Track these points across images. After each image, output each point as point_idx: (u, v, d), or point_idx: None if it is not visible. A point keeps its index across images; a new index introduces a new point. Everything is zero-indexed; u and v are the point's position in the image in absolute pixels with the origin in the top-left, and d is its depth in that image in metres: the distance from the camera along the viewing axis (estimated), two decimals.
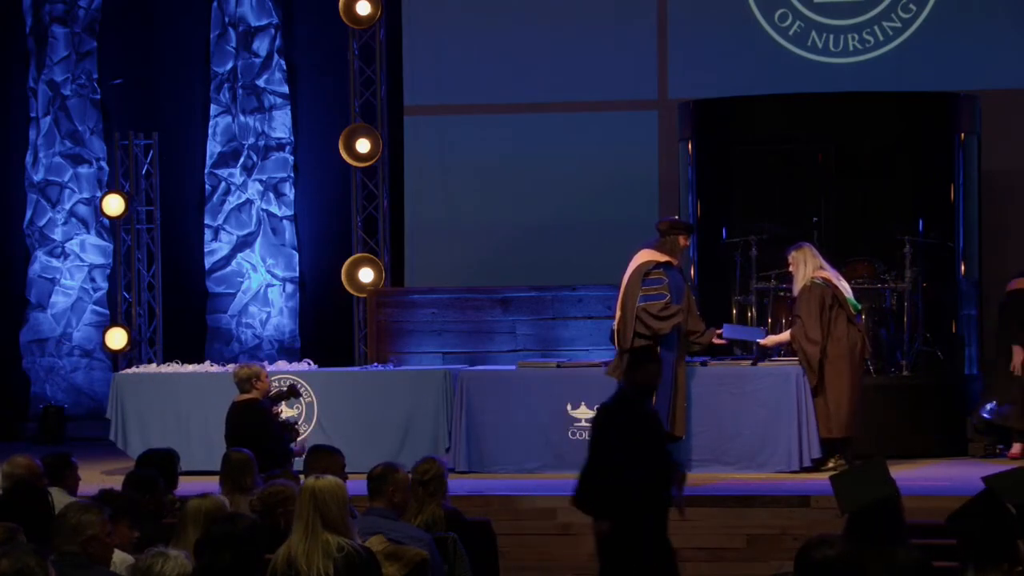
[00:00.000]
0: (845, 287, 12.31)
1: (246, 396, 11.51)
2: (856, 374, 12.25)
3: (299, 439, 11.68)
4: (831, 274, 12.28)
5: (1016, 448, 12.92)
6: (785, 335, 12.44)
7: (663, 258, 12.11)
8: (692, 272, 14.40)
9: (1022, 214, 14.91)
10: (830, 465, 12.04)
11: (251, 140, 17.04)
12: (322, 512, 6.63)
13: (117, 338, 16.01)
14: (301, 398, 12.84)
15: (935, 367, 13.55)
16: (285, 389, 11.95)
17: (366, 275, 15.59)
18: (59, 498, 7.71)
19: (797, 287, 12.30)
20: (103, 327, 16.55)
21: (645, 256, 12.10)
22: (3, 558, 5.46)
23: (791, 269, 12.40)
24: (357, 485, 7.90)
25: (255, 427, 11.22)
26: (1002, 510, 6.18)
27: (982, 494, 6.39)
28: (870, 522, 6.66)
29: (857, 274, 13.19)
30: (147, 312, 16.29)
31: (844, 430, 12.19)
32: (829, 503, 7.48)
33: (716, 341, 12.23)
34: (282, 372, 13.26)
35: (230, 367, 13.82)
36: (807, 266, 12.26)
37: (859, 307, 12.34)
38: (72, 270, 17.20)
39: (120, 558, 6.87)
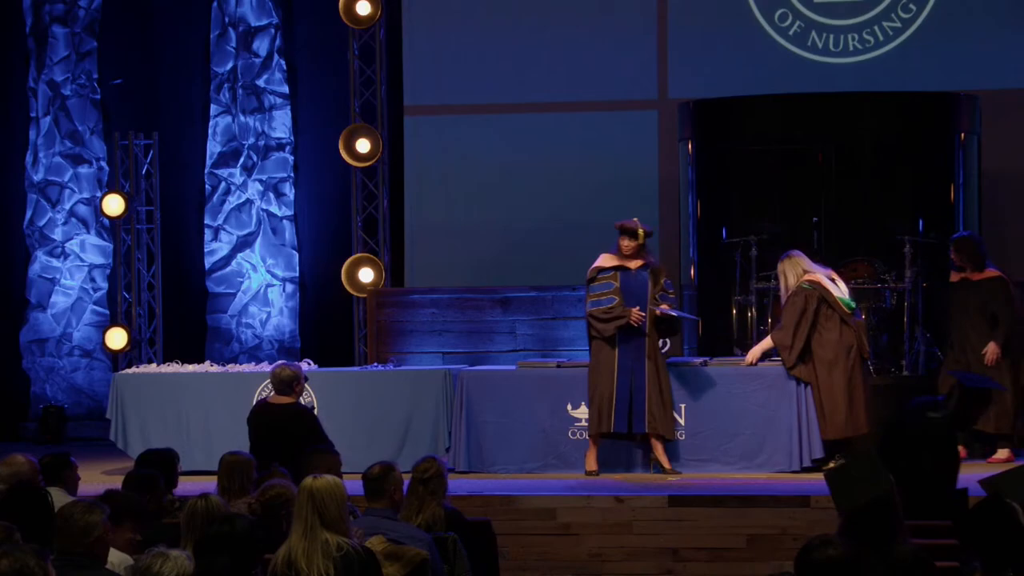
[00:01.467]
0: (840, 287, 12.25)
1: (286, 399, 11.23)
2: (855, 375, 12.10)
3: None
4: (821, 275, 12.22)
5: (1002, 453, 12.78)
6: (767, 341, 12.40)
7: (611, 262, 12.16)
8: (692, 272, 14.40)
9: (1022, 214, 14.90)
10: (831, 465, 12.00)
11: (251, 140, 17.03)
12: (321, 512, 6.64)
13: (117, 338, 16.00)
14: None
15: (935, 367, 13.53)
16: None
17: (366, 275, 15.59)
18: (59, 498, 7.69)
19: (784, 298, 12.30)
20: (103, 327, 16.53)
21: (596, 263, 12.22)
22: (3, 558, 5.46)
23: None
24: (356, 485, 7.89)
25: (310, 431, 11.01)
26: (1010, 514, 6.16)
27: (988, 498, 6.37)
28: (866, 519, 6.65)
29: (857, 274, 13.16)
30: (147, 312, 16.28)
31: (839, 432, 12.12)
32: (829, 503, 7.47)
33: (657, 313, 12.08)
34: None
35: (230, 367, 13.83)
36: (788, 277, 12.26)
37: (853, 305, 12.26)
38: (72, 270, 17.19)
39: (120, 558, 6.87)
